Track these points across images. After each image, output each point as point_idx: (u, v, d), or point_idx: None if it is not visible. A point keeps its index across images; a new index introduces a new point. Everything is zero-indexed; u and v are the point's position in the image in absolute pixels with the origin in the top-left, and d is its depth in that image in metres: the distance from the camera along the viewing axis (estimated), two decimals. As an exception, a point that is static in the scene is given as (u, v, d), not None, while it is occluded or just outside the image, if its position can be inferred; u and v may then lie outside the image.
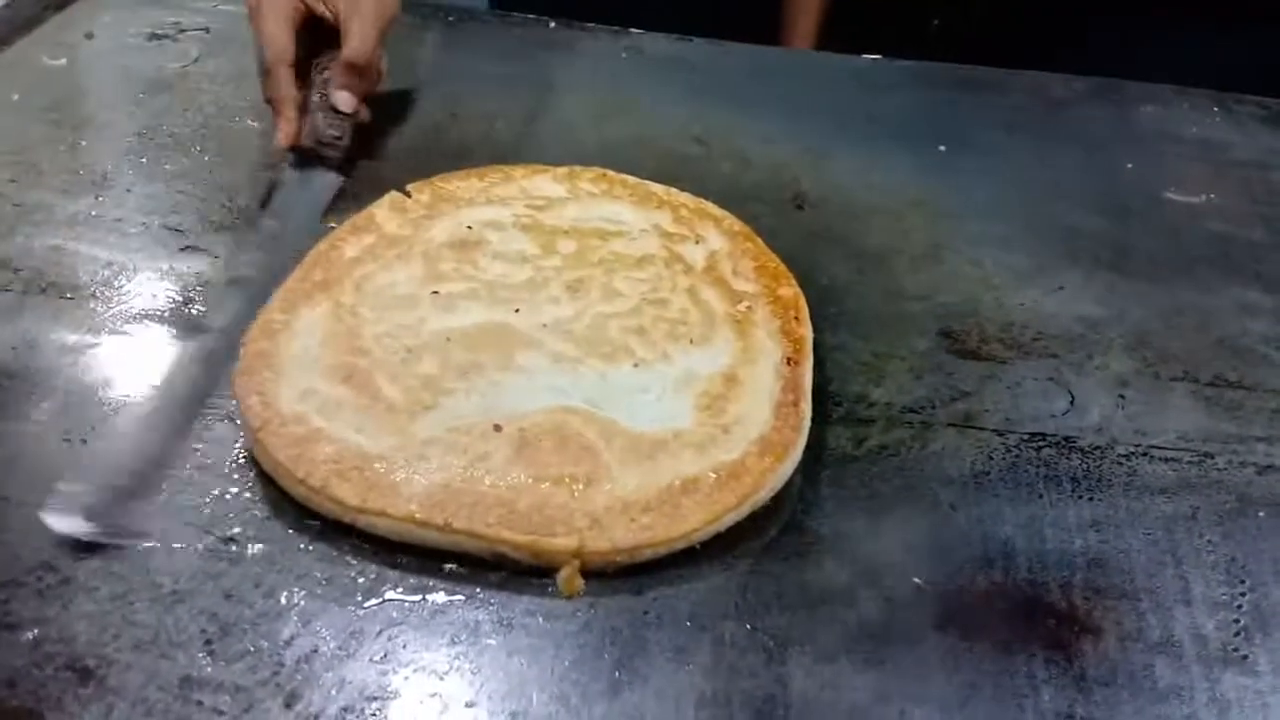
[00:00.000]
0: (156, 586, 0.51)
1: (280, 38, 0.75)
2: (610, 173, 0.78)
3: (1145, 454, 0.63)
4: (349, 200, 0.75)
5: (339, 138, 0.76)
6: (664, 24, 1.02)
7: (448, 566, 0.53)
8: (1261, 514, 0.60)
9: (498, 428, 0.57)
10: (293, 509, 0.55)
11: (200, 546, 0.53)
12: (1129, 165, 0.89)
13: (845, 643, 0.52)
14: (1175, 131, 0.94)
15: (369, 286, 0.66)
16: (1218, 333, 0.72)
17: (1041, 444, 0.63)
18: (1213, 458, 0.63)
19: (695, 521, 0.54)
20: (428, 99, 0.89)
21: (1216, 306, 0.75)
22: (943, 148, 0.89)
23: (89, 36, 0.93)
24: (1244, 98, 0.99)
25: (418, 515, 0.53)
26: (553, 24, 1.01)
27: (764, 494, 0.57)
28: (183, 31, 0.94)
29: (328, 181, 0.76)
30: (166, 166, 0.79)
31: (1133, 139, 0.92)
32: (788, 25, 1.37)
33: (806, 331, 0.66)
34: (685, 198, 0.76)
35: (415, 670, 0.49)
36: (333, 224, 0.72)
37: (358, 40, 0.76)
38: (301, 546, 0.54)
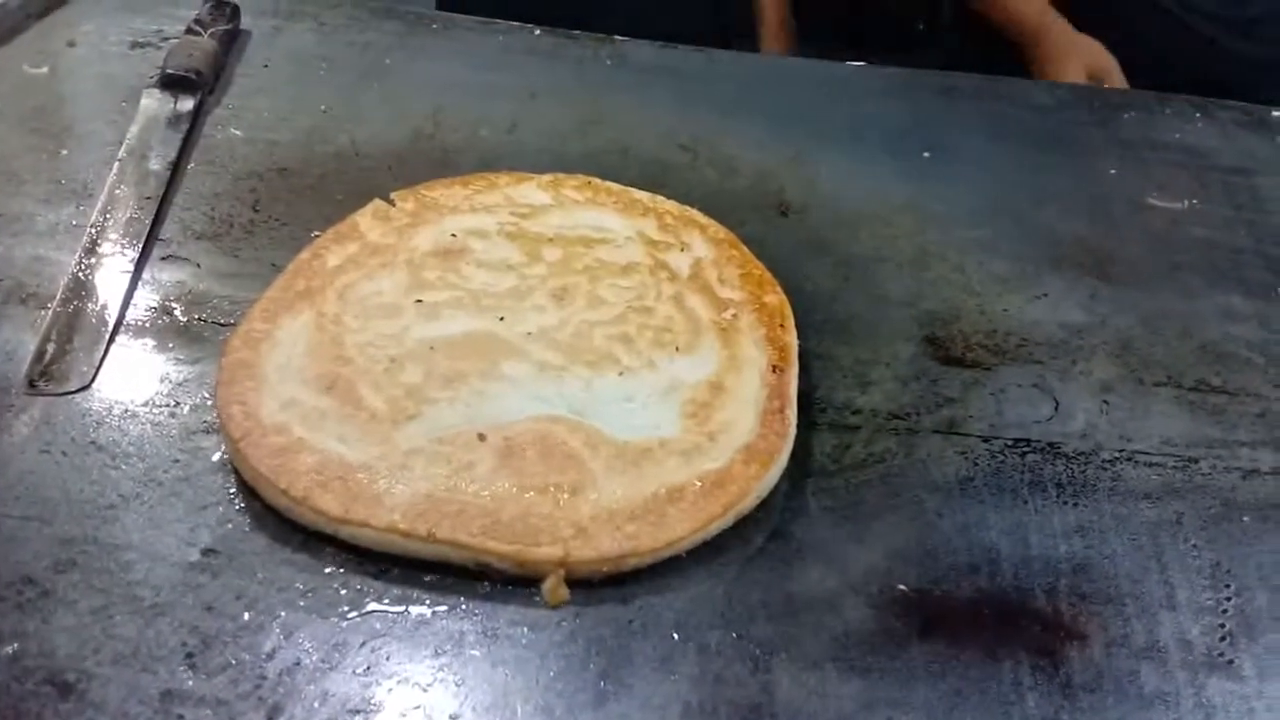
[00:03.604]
0: (137, 599, 0.51)
1: None
2: (595, 180, 0.78)
3: (1130, 459, 0.63)
4: (333, 207, 0.75)
5: None
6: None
7: (431, 577, 0.53)
8: (1246, 519, 0.60)
9: (482, 437, 0.57)
10: (275, 520, 0.55)
11: (181, 558, 0.53)
12: (1112, 171, 0.89)
13: (831, 650, 0.52)
14: (1158, 137, 0.94)
15: (352, 295, 0.65)
16: (1201, 338, 0.73)
17: (1026, 450, 0.63)
18: (1197, 462, 0.63)
19: (681, 530, 0.54)
20: (411, 106, 0.89)
21: (1199, 312, 0.75)
22: (927, 154, 0.89)
23: (71, 44, 0.93)
24: (1226, 103, 0.99)
25: (401, 526, 0.52)
26: (537, 31, 1.01)
27: (750, 502, 0.57)
28: (165, 39, 0.93)
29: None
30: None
31: (1115, 145, 0.93)
32: (760, 30, 1.39)
33: (792, 339, 0.65)
34: (670, 205, 0.76)
35: (399, 682, 0.49)
36: (316, 232, 0.71)
37: None
38: (284, 558, 0.53)
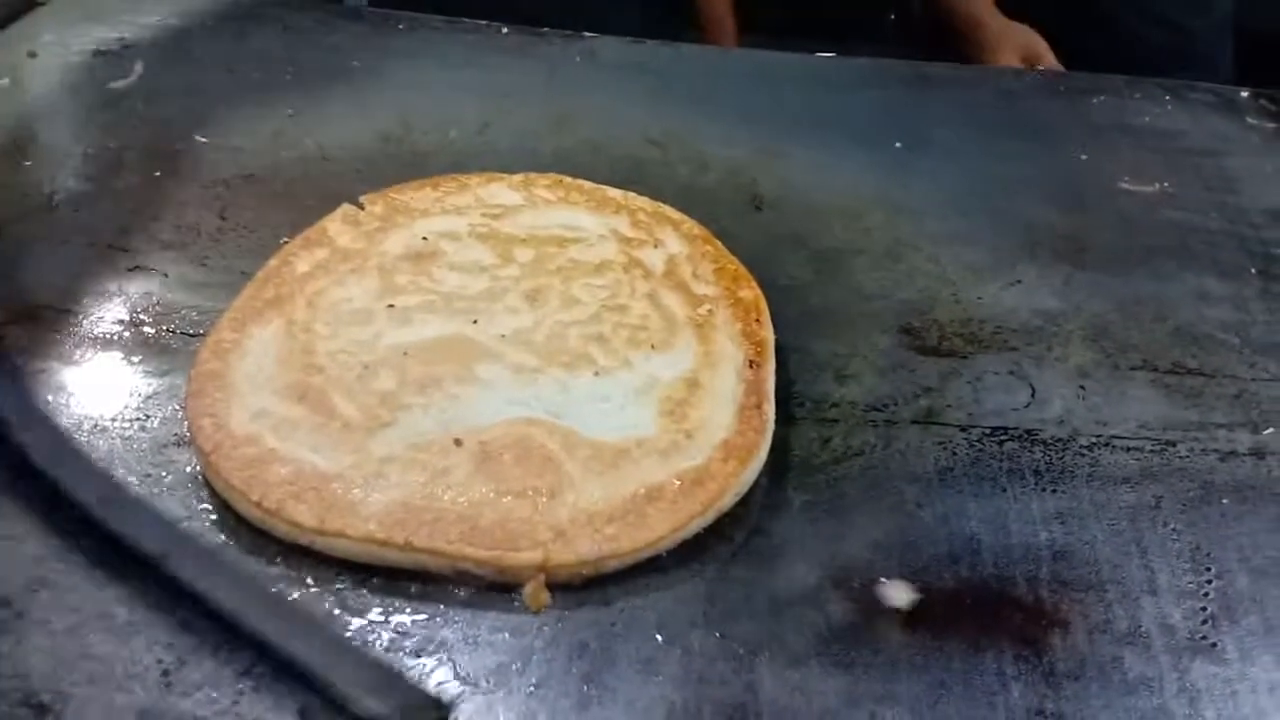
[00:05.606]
0: (111, 618, 0.50)
1: None
2: (566, 178, 0.77)
3: (1107, 444, 0.63)
4: (301, 213, 0.74)
5: None
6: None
7: (411, 586, 0.52)
8: (1225, 501, 0.60)
9: (458, 442, 0.56)
10: (249, 533, 0.54)
11: (155, 575, 0.52)
12: (1083, 156, 0.89)
13: (814, 646, 0.51)
14: (1128, 121, 0.94)
15: (322, 302, 0.64)
16: (1175, 321, 0.73)
17: (1004, 438, 0.63)
18: (1174, 446, 0.64)
19: (660, 530, 0.54)
20: (380, 108, 0.88)
21: (1173, 295, 0.75)
22: (899, 145, 0.89)
23: (32, 55, 0.91)
24: (1195, 85, 1.00)
25: (377, 535, 0.52)
26: (504, 30, 1.00)
27: (729, 499, 0.57)
28: (127, 47, 0.92)
29: None
30: (114, 185, 0.78)
31: (1086, 130, 0.93)
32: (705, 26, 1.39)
33: (768, 333, 0.65)
34: (643, 202, 0.76)
35: (379, 693, 0.48)
36: (285, 238, 0.71)
37: None
38: (259, 571, 0.53)
